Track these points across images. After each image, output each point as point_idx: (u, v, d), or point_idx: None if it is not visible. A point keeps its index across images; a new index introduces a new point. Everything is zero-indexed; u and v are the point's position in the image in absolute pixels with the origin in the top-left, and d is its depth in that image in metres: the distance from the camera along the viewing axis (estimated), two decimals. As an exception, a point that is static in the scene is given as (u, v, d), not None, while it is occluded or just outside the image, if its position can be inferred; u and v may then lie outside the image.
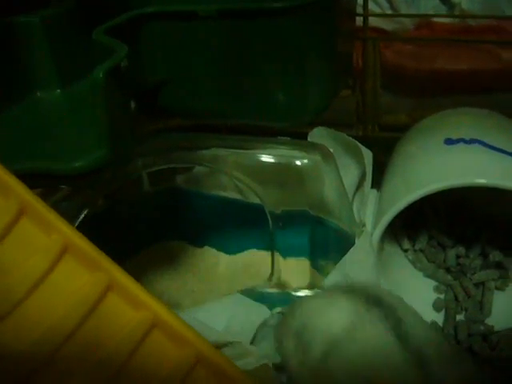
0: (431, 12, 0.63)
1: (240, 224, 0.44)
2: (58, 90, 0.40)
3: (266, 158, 0.36)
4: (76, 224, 0.34)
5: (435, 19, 0.61)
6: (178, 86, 0.39)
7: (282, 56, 0.37)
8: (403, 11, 0.63)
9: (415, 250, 0.43)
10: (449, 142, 0.38)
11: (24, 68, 0.39)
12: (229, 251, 0.44)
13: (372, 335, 0.28)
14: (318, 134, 0.40)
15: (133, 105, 0.37)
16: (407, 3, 0.63)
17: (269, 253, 0.40)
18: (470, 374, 0.28)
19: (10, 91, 0.38)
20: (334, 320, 0.29)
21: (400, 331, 0.28)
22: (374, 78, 0.54)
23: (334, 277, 0.37)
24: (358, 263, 0.37)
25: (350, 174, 0.40)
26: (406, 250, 0.43)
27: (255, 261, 0.43)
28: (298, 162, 0.36)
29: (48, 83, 0.39)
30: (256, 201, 0.40)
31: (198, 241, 0.44)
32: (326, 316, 0.29)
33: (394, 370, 0.27)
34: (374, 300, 0.29)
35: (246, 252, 0.44)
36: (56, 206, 0.27)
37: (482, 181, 0.34)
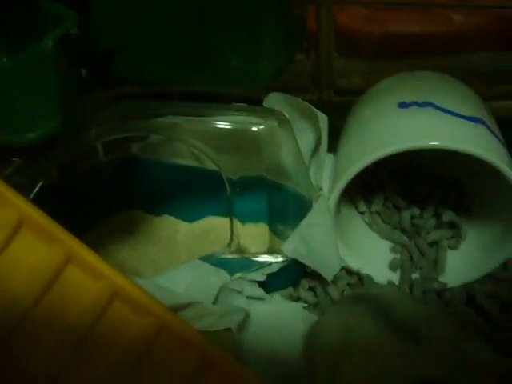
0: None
1: (198, 191, 0.44)
2: (5, 59, 0.38)
3: (222, 125, 0.36)
4: (31, 197, 0.33)
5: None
6: (132, 53, 0.38)
7: (235, 20, 0.36)
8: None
9: (371, 212, 0.44)
10: (402, 105, 0.38)
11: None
12: (188, 219, 0.44)
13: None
14: (273, 100, 0.40)
15: (84, 73, 0.36)
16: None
17: (227, 219, 0.40)
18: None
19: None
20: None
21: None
22: (328, 41, 0.54)
23: (292, 241, 0.37)
24: (316, 227, 0.37)
25: (305, 138, 0.41)
26: (362, 213, 0.44)
27: (214, 227, 0.43)
28: (255, 128, 0.36)
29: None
30: (213, 168, 0.40)
31: (157, 210, 0.44)
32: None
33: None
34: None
35: (204, 219, 0.44)
36: (9, 180, 0.27)
37: (434, 143, 0.35)
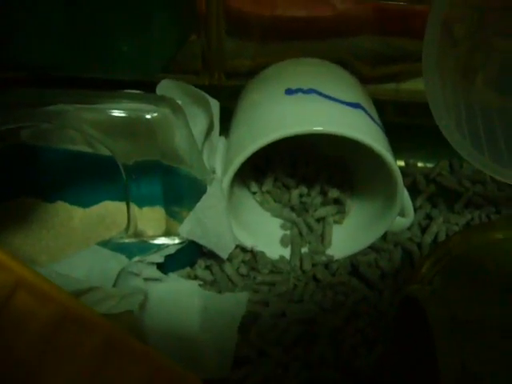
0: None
1: (92, 177, 0.44)
2: None
3: (116, 113, 0.36)
4: None
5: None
6: (20, 37, 0.37)
7: (125, 4, 0.37)
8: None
9: (262, 192, 0.46)
10: (288, 91, 0.40)
11: None
12: (83, 204, 0.44)
13: None
14: (165, 86, 0.41)
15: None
16: None
17: (124, 203, 0.41)
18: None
19: None
20: None
21: None
22: (217, 22, 0.55)
23: (188, 223, 0.39)
24: (210, 208, 0.39)
25: (198, 123, 0.42)
26: (254, 193, 0.46)
27: (110, 212, 0.44)
28: (148, 116, 0.37)
29: None
30: (107, 153, 0.40)
31: (50, 196, 0.44)
32: None
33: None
34: None
35: (100, 204, 0.44)
36: None
37: (318, 128, 0.37)
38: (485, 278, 0.32)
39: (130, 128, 0.38)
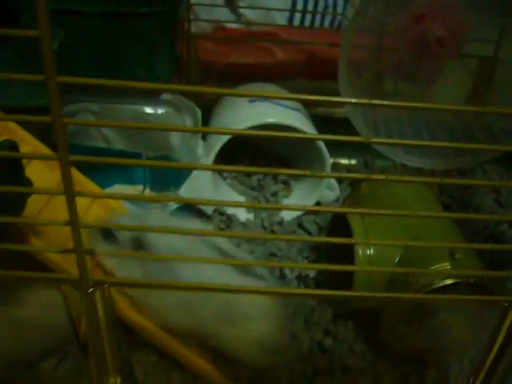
0: (223, 19, 0.84)
1: (107, 167, 0.59)
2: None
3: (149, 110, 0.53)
4: None
5: (228, 24, 0.83)
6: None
7: (142, 44, 0.54)
8: (203, 17, 0.83)
9: (231, 178, 0.63)
10: (251, 101, 0.59)
11: None
12: (101, 187, 0.59)
13: None
14: (166, 96, 0.58)
15: None
16: (207, 12, 0.83)
17: (128, 186, 0.57)
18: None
19: None
20: None
21: None
22: (195, 69, 0.74)
23: (185, 188, 0.55)
24: (200, 178, 0.56)
25: (187, 122, 0.59)
26: (225, 178, 0.63)
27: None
28: (158, 112, 0.54)
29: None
30: (119, 148, 0.57)
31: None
32: None
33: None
34: None
35: (113, 187, 0.60)
36: None
37: (271, 120, 0.56)
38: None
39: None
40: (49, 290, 0.41)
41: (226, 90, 0.28)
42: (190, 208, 0.57)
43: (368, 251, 0.46)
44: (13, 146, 0.30)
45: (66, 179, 0.26)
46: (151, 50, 0.55)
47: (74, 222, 0.28)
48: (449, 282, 0.42)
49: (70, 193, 0.27)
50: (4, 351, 0.40)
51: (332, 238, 0.32)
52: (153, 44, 0.54)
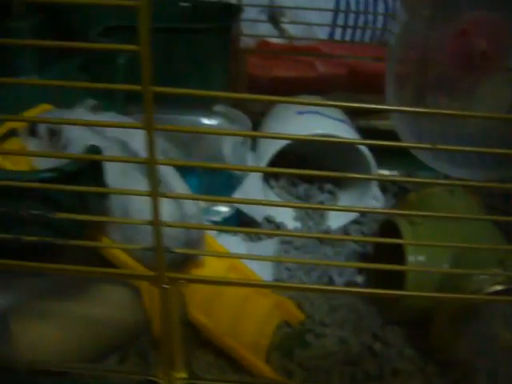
0: (265, 34, 0.87)
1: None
2: (36, 76, 0.56)
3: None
4: None
5: (270, 39, 0.86)
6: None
7: (199, 58, 0.57)
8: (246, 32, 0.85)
9: (279, 187, 0.65)
10: (299, 112, 0.61)
11: (12, 59, 0.54)
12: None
13: None
14: (218, 107, 0.61)
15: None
16: (250, 27, 0.85)
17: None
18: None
19: (2, 75, 0.53)
20: None
21: None
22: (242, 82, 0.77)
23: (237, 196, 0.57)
24: (251, 187, 0.58)
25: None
26: (272, 187, 0.65)
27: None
28: (209, 122, 0.57)
29: (29, 70, 0.55)
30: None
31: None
32: None
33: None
34: None
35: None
36: None
37: (319, 131, 0.58)
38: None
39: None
40: (118, 288, 0.43)
41: (283, 98, 0.30)
42: (241, 215, 0.59)
43: (419, 257, 0.47)
44: (97, 151, 0.32)
45: (154, 186, 0.28)
46: (207, 64, 0.57)
47: (155, 222, 0.30)
48: (499, 287, 0.43)
49: (155, 195, 0.29)
50: (73, 346, 0.42)
51: (383, 238, 0.33)
52: (209, 58, 0.57)
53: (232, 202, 0.55)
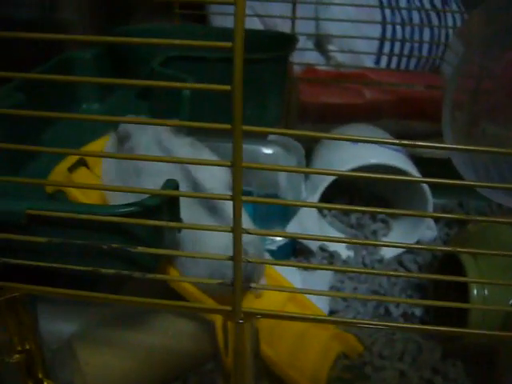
0: (312, 61, 0.88)
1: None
2: (97, 104, 0.57)
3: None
4: None
5: (318, 67, 0.86)
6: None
7: (257, 87, 0.58)
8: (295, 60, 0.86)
9: (331, 216, 0.65)
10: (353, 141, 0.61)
11: (75, 87, 0.56)
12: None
13: None
14: (271, 137, 0.61)
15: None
16: (298, 54, 0.86)
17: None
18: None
19: (65, 103, 0.55)
20: None
21: None
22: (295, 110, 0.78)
23: (292, 225, 0.57)
24: (306, 217, 0.58)
25: (291, 161, 0.62)
26: (325, 216, 0.65)
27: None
28: (266, 152, 0.57)
29: (90, 99, 0.57)
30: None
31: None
32: None
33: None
34: None
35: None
36: None
37: (374, 161, 0.57)
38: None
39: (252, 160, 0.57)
40: (178, 318, 0.43)
41: (345, 137, 0.30)
42: (296, 244, 0.59)
43: (483, 291, 0.46)
44: (176, 185, 0.33)
45: (237, 222, 0.29)
46: (265, 93, 0.58)
47: (237, 258, 0.30)
48: None
49: (238, 231, 0.29)
50: (138, 375, 0.42)
51: (447, 276, 0.33)
52: (267, 87, 0.57)
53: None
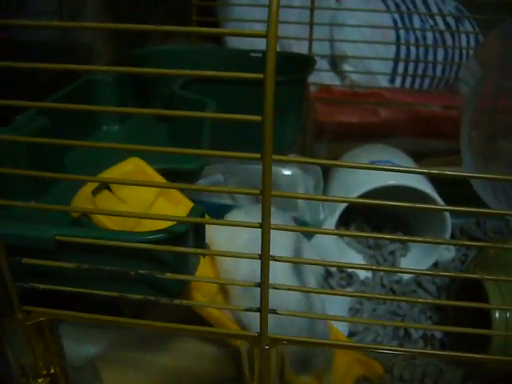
0: (327, 81, 0.88)
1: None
2: (117, 126, 0.58)
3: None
4: None
5: (333, 87, 0.87)
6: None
7: (279, 109, 0.58)
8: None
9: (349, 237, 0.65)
10: (373, 162, 0.61)
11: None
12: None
13: None
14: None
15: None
16: (313, 74, 0.87)
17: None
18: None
19: (86, 125, 0.55)
20: None
21: None
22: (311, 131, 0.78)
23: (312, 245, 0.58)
24: (326, 236, 0.58)
25: (309, 182, 0.62)
26: (342, 236, 0.65)
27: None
28: (285, 173, 0.57)
29: (111, 121, 0.57)
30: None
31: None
32: None
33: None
34: None
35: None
36: None
37: (392, 182, 0.58)
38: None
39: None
40: (200, 342, 0.43)
41: (359, 165, 0.30)
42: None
43: (506, 314, 0.46)
44: (203, 213, 0.33)
45: (266, 250, 0.29)
46: (284, 114, 0.58)
47: (264, 284, 0.30)
48: None
49: (266, 258, 0.29)
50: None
51: (468, 302, 0.33)
52: (286, 109, 0.57)
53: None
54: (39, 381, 0.38)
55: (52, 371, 0.38)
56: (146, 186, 0.34)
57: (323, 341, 0.35)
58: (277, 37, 0.24)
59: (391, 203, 0.30)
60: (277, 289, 0.31)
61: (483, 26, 0.90)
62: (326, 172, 0.66)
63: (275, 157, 0.27)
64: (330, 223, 0.59)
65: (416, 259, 0.63)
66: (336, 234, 0.60)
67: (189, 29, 0.26)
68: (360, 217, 0.67)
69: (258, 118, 0.26)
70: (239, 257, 0.31)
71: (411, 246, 0.65)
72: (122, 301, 0.34)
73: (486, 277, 0.36)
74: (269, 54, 0.24)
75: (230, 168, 0.60)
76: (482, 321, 0.47)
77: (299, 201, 0.60)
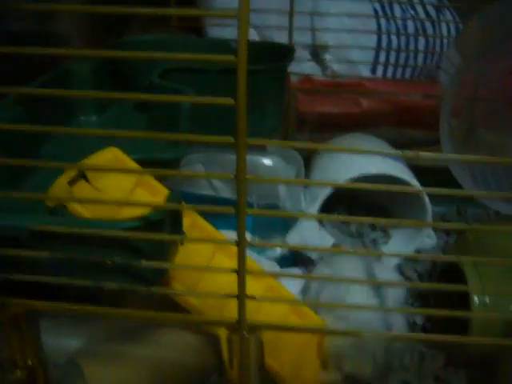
0: (309, 71, 0.88)
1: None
2: (95, 117, 0.57)
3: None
4: None
5: (315, 76, 0.87)
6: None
7: (255, 98, 0.58)
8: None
9: (331, 225, 0.65)
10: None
11: (73, 100, 0.55)
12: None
13: None
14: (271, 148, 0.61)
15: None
16: (294, 64, 0.86)
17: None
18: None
19: (63, 116, 0.55)
20: None
21: None
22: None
23: (292, 235, 0.57)
24: (307, 225, 0.58)
25: (291, 171, 0.62)
26: (324, 225, 0.65)
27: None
28: (265, 162, 0.57)
29: (89, 111, 0.57)
30: (224, 196, 0.60)
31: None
32: None
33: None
34: None
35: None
36: None
37: (373, 171, 0.58)
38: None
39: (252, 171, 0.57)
40: (182, 332, 0.43)
41: (348, 148, 0.30)
42: (295, 255, 0.59)
43: (485, 298, 0.46)
44: (179, 199, 0.33)
45: (241, 234, 0.29)
46: (264, 104, 0.58)
47: (241, 270, 0.30)
48: None
49: (243, 245, 0.29)
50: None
51: (449, 285, 0.33)
52: (266, 98, 0.57)
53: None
54: (17, 373, 0.38)
55: (30, 364, 0.38)
56: (123, 172, 0.34)
57: (301, 326, 0.35)
58: (248, 15, 0.24)
59: (369, 187, 0.30)
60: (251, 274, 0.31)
61: (463, 15, 0.90)
62: (308, 162, 0.66)
63: (249, 140, 0.27)
64: (312, 212, 0.59)
65: (397, 247, 0.63)
66: (319, 218, 0.59)
67: (159, 11, 0.26)
68: (342, 206, 0.67)
69: (231, 101, 0.26)
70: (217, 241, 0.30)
71: (393, 233, 0.65)
72: (99, 291, 0.33)
73: (464, 258, 0.36)
74: (241, 34, 0.24)
75: (209, 157, 0.60)
76: (463, 306, 0.47)
77: (280, 190, 0.60)
